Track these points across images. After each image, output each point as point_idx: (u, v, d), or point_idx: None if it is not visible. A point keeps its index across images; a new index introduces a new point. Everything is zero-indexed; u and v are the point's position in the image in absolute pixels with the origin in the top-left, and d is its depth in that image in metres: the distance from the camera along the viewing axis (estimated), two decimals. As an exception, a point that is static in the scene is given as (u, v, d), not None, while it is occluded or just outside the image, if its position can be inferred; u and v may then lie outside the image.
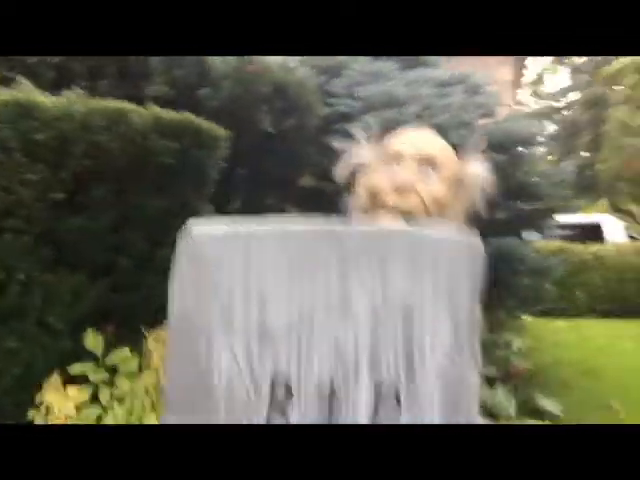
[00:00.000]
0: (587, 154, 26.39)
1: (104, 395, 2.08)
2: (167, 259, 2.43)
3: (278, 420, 1.10)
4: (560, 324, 8.08)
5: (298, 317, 1.10)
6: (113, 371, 2.21)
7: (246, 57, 3.36)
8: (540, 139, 5.92)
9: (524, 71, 17.97)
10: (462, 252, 1.02)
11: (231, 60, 3.26)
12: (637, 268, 9.35)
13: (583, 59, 34.78)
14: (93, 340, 2.21)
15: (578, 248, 9.55)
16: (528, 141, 5.21)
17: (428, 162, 1.42)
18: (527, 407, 3.74)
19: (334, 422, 1.09)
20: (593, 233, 10.70)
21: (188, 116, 2.28)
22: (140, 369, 2.22)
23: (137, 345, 2.34)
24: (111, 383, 2.14)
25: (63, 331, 2.19)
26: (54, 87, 2.76)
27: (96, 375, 2.16)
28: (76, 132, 1.94)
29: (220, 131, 2.43)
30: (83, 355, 2.24)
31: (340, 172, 1.51)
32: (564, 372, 5.34)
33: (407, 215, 1.37)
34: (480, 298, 1.04)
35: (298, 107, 3.66)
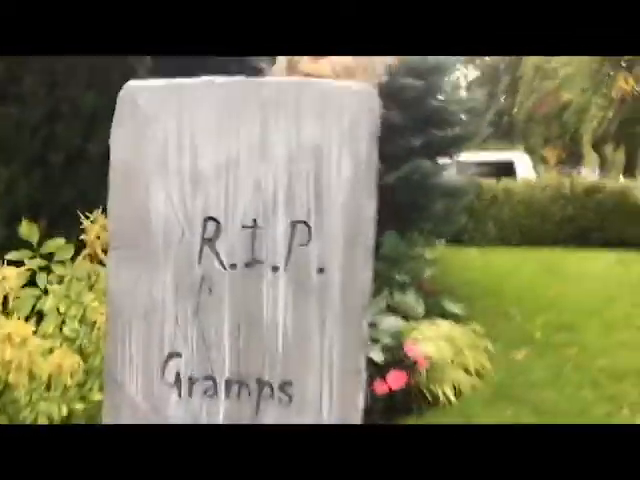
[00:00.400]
0: (505, 99, 27.25)
1: (41, 279, 2.20)
2: (99, 155, 2.55)
3: (207, 258, 1.29)
4: (471, 251, 8.64)
5: (225, 161, 1.28)
6: (49, 259, 2.32)
7: None
8: (456, 68, 6.19)
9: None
10: (362, 99, 1.23)
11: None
12: (543, 201, 10.00)
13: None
14: (27, 229, 2.30)
15: (490, 183, 10.09)
16: (443, 69, 5.44)
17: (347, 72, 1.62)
18: (434, 310, 4.11)
19: (255, 257, 1.29)
20: (506, 170, 11.29)
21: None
22: (74, 257, 2.35)
23: (71, 237, 2.45)
24: (47, 270, 2.26)
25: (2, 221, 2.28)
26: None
27: (32, 261, 2.27)
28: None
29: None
30: (19, 245, 2.33)
31: None
32: (469, 289, 5.81)
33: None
34: (377, 142, 1.25)
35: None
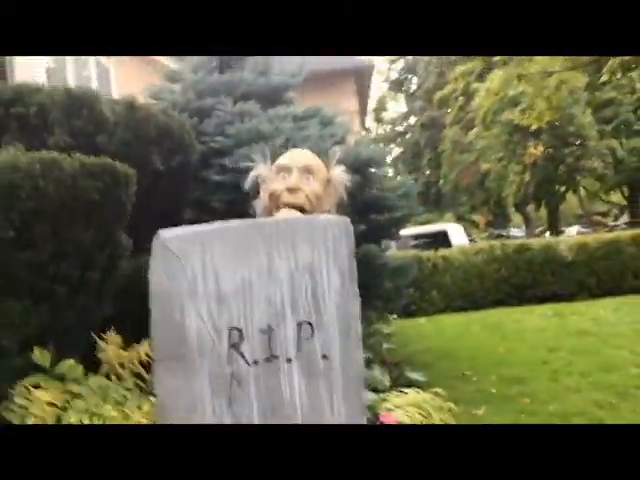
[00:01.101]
0: (430, 172, 28.93)
1: (58, 398, 2.48)
2: (96, 282, 2.92)
3: (234, 359, 1.67)
4: (420, 320, 9.15)
5: (241, 284, 1.68)
6: (61, 379, 2.61)
7: (132, 104, 3.83)
8: (386, 160, 6.89)
9: (369, 100, 19.62)
10: (341, 227, 1.68)
11: (120, 108, 3.73)
12: (479, 265, 10.73)
13: (415, 86, 38.22)
14: (40, 355, 2.60)
15: (429, 254, 10.77)
16: (376, 162, 6.09)
17: (307, 170, 2.10)
18: (399, 381, 4.50)
19: (272, 353, 1.68)
20: (441, 240, 12.07)
21: (106, 159, 2.76)
22: (85, 374, 2.64)
23: (76, 356, 2.75)
24: (63, 388, 2.54)
25: (13, 350, 2.57)
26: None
27: (47, 384, 2.55)
28: (22, 180, 2.36)
29: (131, 170, 2.92)
30: (32, 370, 2.61)
31: (247, 184, 2.16)
32: (426, 356, 6.25)
33: (297, 208, 2.03)
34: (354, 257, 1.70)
35: (182, 146, 4.19)
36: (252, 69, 6.06)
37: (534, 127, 9.74)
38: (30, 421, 2.25)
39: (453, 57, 25.57)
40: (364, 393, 1.70)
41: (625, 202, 24.66)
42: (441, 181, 22.90)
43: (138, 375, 2.47)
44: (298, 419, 1.66)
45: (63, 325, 2.76)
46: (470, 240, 13.06)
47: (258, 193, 2.18)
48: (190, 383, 1.69)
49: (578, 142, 17.77)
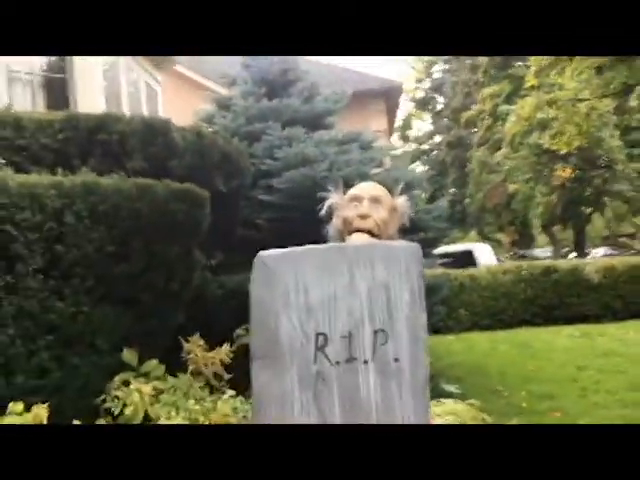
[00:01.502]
0: (455, 190, 29.12)
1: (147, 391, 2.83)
2: (175, 292, 3.30)
3: (319, 359, 1.99)
4: (449, 337, 9.39)
5: (327, 298, 2.01)
6: (146, 377, 2.96)
7: (200, 132, 4.21)
8: (422, 183, 7.22)
9: (395, 119, 19.98)
10: (413, 252, 2.01)
11: (189, 135, 4.11)
12: (506, 285, 10.93)
13: (441, 105, 38.60)
14: (129, 355, 2.96)
15: (457, 272, 11.01)
16: (412, 185, 6.43)
17: (375, 200, 2.42)
18: (434, 392, 4.78)
19: (352, 355, 2.00)
20: (467, 259, 12.29)
21: (189, 185, 3.12)
22: (164, 373, 3.00)
23: (156, 357, 3.10)
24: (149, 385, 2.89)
25: (106, 350, 2.93)
26: (53, 167, 3.50)
27: (135, 380, 2.90)
28: (124, 201, 2.73)
29: (206, 193, 3.29)
30: (121, 368, 2.97)
31: (323, 211, 2.49)
32: (457, 371, 6.51)
33: (368, 233, 2.36)
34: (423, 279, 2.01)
35: (239, 169, 4.57)
36: (298, 95, 6.46)
37: (564, 151, 9.95)
38: (128, 410, 2.59)
39: (481, 78, 25.89)
40: (428, 392, 2.01)
41: (653, 225, 24.58)
42: (467, 200, 23.12)
43: (216, 375, 2.81)
44: (373, 412, 1.97)
45: (147, 329, 3.12)
46: (498, 260, 13.27)
47: (331, 219, 2.51)
48: (281, 379, 2.01)
49: (606, 165, 17.90)
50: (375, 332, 2.00)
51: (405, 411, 1.97)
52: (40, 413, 2.32)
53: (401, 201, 2.49)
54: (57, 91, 6.25)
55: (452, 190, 29.48)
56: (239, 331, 3.26)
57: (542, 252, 27.99)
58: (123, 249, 2.82)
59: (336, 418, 2.00)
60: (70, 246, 2.62)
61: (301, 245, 2.40)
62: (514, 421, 4.61)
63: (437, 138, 38.01)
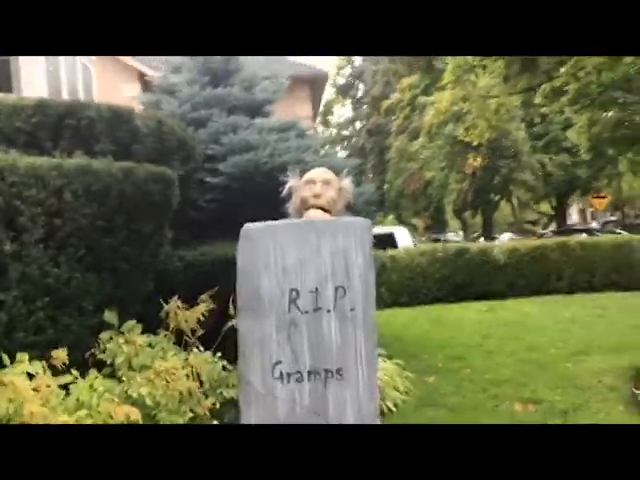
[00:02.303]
0: (373, 176, 30.18)
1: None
2: (147, 263, 3.76)
3: (292, 309, 2.54)
4: (372, 313, 10.13)
5: (299, 261, 2.55)
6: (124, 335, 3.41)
7: (160, 119, 4.60)
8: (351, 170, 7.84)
9: (319, 106, 20.58)
10: (365, 225, 2.59)
11: (151, 123, 4.50)
12: (422, 265, 11.83)
13: (361, 92, 39.70)
14: (110, 316, 3.38)
15: (378, 253, 11.79)
16: (342, 172, 7.01)
17: (326, 182, 2.97)
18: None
19: (318, 306, 2.55)
20: (389, 241, 13.11)
21: (163, 168, 3.55)
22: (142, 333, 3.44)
23: (130, 319, 3.54)
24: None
25: (90, 311, 3.34)
26: (26, 148, 3.82)
27: (116, 337, 3.34)
28: (112, 182, 3.14)
29: (175, 176, 3.72)
30: (103, 328, 3.40)
31: (284, 192, 3.02)
32: (380, 340, 7.21)
33: (321, 209, 2.90)
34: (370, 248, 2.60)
35: (193, 154, 5.00)
36: (239, 84, 6.90)
37: (475, 142, 10.86)
38: (119, 360, 3.04)
39: (399, 68, 26.90)
40: (376, 335, 2.62)
41: (553, 212, 26.66)
42: (386, 186, 24.17)
43: (193, 331, 3.30)
44: (334, 349, 2.55)
45: (123, 294, 3.55)
46: (414, 243, 14.23)
47: (290, 198, 3.04)
48: (262, 325, 2.55)
49: (512, 155, 19.34)
50: (336, 288, 2.57)
51: (358, 348, 2.57)
52: (61, 355, 2.73)
53: (346, 183, 3.06)
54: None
55: (370, 176, 30.55)
56: (203, 297, 3.73)
57: (453, 236, 29.66)
58: (109, 224, 3.23)
59: (305, 355, 2.56)
60: (67, 220, 3.01)
61: (241, 225, 2.91)
62: (432, 377, 5.35)
63: (357, 125, 39.04)
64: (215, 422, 3.32)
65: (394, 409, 4.40)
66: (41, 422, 2.28)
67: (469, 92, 10.05)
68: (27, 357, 2.82)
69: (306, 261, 2.57)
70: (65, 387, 2.83)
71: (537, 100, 12.06)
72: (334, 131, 40.43)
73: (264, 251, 2.57)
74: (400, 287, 11.68)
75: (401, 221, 26.22)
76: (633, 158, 16.05)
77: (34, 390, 2.41)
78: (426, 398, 4.74)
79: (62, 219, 3.01)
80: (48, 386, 2.49)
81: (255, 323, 2.56)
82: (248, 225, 2.60)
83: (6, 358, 2.78)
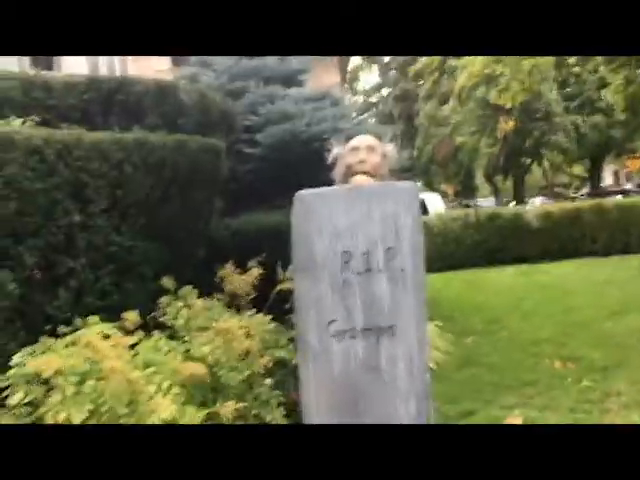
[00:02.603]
0: (403, 142, 29.97)
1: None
2: (200, 230, 3.95)
3: (345, 270, 2.69)
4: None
5: (351, 225, 2.69)
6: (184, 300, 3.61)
7: (203, 93, 4.73)
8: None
9: (347, 73, 20.48)
10: (413, 189, 2.71)
11: (195, 96, 4.64)
12: (455, 230, 11.89)
13: (388, 57, 39.21)
14: (168, 282, 3.58)
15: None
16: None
17: (370, 148, 3.07)
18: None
19: (369, 267, 2.70)
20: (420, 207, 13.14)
21: (214, 140, 3.70)
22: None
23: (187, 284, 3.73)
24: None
25: (150, 277, 3.54)
26: (79, 124, 4.00)
27: (174, 302, 3.54)
28: (167, 154, 3.31)
29: (223, 147, 3.87)
30: (161, 293, 3.60)
31: (329, 159, 3.14)
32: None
33: (367, 174, 3.01)
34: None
35: (235, 126, 5.14)
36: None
37: (508, 105, 10.75)
38: (179, 321, 3.25)
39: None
40: (425, 294, 2.76)
41: (586, 175, 26.24)
42: (415, 152, 24.04)
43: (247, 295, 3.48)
44: (385, 308, 2.70)
45: (179, 261, 3.75)
46: (445, 209, 14.27)
47: (335, 166, 3.16)
48: (317, 286, 2.70)
49: (545, 118, 19.04)
50: (387, 249, 2.70)
51: (408, 306, 2.71)
52: (131, 316, 2.94)
53: (389, 148, 3.16)
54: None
55: (399, 142, 30.38)
56: (251, 263, 3.90)
57: (484, 202, 29.45)
58: (165, 194, 3.41)
59: (359, 313, 2.71)
60: (127, 191, 3.19)
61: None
62: (470, 338, 5.49)
63: (384, 91, 38.63)
64: (268, 380, 3.52)
65: (435, 368, 4.55)
66: (119, 377, 2.48)
67: (502, 54, 9.90)
68: (98, 319, 3.04)
69: (357, 225, 2.70)
70: (132, 347, 3.04)
71: (571, 60, 11.80)
72: (361, 98, 40.05)
73: (317, 216, 2.71)
74: (433, 253, 11.72)
75: (431, 187, 26.10)
76: (670, 117, 15.69)
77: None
78: (466, 358, 4.89)
79: (123, 190, 3.19)
80: (121, 345, 2.70)
81: (310, 284, 2.71)
82: (302, 191, 2.74)
83: (79, 321, 2.98)
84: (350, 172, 3.10)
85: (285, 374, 3.93)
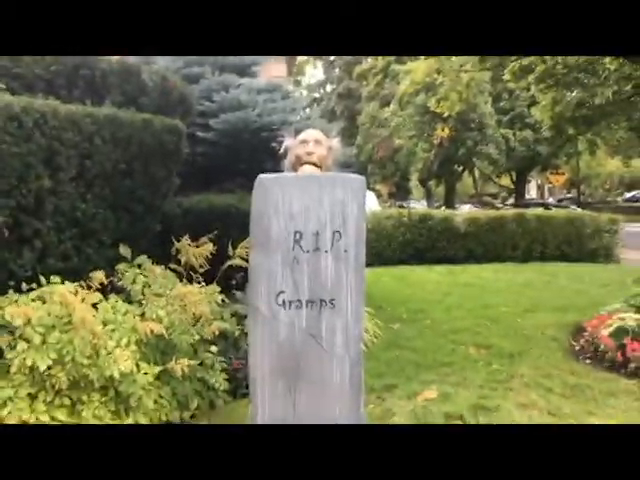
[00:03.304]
0: (342, 140, 30.47)
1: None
2: (157, 206, 4.23)
3: (296, 248, 3.03)
4: (339, 270, 10.73)
5: (303, 208, 3.03)
6: (138, 267, 3.86)
7: (164, 75, 4.95)
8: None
9: (294, 67, 20.74)
10: (360, 180, 3.09)
11: (156, 78, 4.85)
12: (388, 228, 12.44)
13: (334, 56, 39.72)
14: (125, 250, 3.82)
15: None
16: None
17: (317, 142, 3.42)
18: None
19: (317, 247, 3.06)
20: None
21: (177, 121, 3.95)
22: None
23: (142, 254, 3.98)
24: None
25: (108, 245, 3.77)
26: (44, 94, 4.16)
27: (130, 269, 3.78)
28: (134, 131, 3.54)
29: (184, 129, 4.12)
30: (118, 260, 3.83)
31: (282, 151, 3.46)
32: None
33: (313, 165, 3.36)
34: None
35: (191, 109, 5.37)
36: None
37: (446, 114, 11.35)
38: (136, 286, 3.50)
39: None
40: (364, 273, 3.14)
41: (513, 186, 27.64)
42: (355, 151, 24.63)
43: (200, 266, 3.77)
44: (328, 283, 3.06)
45: (136, 232, 3.99)
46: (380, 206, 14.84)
47: (286, 156, 3.48)
48: (270, 260, 3.04)
49: (479, 129, 20.00)
50: (334, 232, 3.07)
51: (349, 283, 3.09)
52: (98, 276, 3.18)
53: (335, 142, 3.53)
54: None
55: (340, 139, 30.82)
56: (204, 239, 4.18)
57: (416, 204, 30.45)
58: (129, 168, 3.64)
59: (304, 287, 3.07)
60: (95, 162, 3.41)
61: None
62: (396, 325, 5.96)
63: (328, 87, 39.12)
64: (214, 348, 3.82)
65: (365, 349, 4.97)
66: (89, 329, 2.74)
67: (443, 64, 10.48)
68: (59, 280, 3.26)
69: (309, 208, 3.06)
70: (93, 307, 3.28)
71: (506, 77, 12.55)
72: (305, 92, 40.37)
73: (275, 198, 3.04)
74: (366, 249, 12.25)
75: (367, 186, 26.75)
76: (591, 138, 16.87)
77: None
78: (392, 341, 5.34)
79: (92, 161, 3.41)
80: (88, 301, 2.95)
81: (264, 258, 3.05)
82: (262, 175, 3.06)
83: (43, 280, 3.20)
84: (299, 162, 3.44)
85: (227, 345, 4.25)
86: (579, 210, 18.58)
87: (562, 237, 12.80)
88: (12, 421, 2.77)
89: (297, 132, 3.66)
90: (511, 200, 28.46)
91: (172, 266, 3.82)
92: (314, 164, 3.37)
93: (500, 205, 27.43)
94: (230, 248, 4.12)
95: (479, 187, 31.36)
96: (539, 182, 39.51)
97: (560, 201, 30.64)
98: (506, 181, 29.59)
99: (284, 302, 3.07)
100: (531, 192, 40.02)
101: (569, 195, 36.83)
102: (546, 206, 21.36)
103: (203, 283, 3.98)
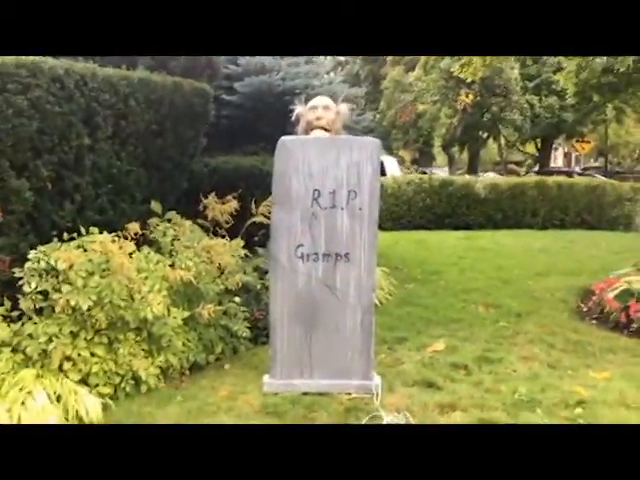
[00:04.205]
0: (365, 104, 30.29)
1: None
2: (185, 164, 4.52)
3: (314, 205, 3.28)
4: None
5: (322, 168, 3.27)
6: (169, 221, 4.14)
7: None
8: (355, 99, 8.43)
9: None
10: (375, 143, 3.31)
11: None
12: (408, 194, 12.58)
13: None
14: (156, 206, 4.10)
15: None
16: (347, 100, 7.62)
17: (326, 107, 3.62)
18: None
19: (334, 204, 3.30)
20: (378, 169, 13.77)
21: (204, 85, 4.19)
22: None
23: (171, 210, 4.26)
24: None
25: (139, 201, 4.05)
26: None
27: (161, 223, 4.07)
28: (165, 93, 3.78)
29: (212, 92, 4.36)
30: (150, 215, 4.11)
31: (294, 118, 3.67)
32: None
33: (322, 129, 3.55)
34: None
35: (218, 72, 5.57)
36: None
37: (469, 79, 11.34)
38: (168, 239, 3.79)
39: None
40: (377, 229, 3.39)
41: (537, 153, 27.38)
42: (377, 115, 24.54)
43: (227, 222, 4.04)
44: (343, 236, 3.32)
45: (166, 189, 4.27)
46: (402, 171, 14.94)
47: (298, 122, 3.68)
48: (290, 216, 3.30)
49: (504, 94, 19.80)
50: (349, 191, 3.31)
51: (362, 239, 3.34)
52: (134, 227, 3.47)
53: (342, 107, 3.72)
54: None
55: (363, 104, 30.67)
56: (229, 197, 4.45)
57: (439, 171, 30.33)
58: (160, 129, 3.90)
59: (321, 241, 3.33)
60: (130, 122, 3.68)
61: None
62: (411, 285, 6.22)
63: (353, 51, 38.58)
64: (237, 298, 4.12)
65: (379, 304, 5.25)
66: (125, 274, 3.03)
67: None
68: (97, 231, 3.56)
69: (327, 169, 3.30)
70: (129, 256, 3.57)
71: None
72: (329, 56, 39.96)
73: (295, 159, 3.28)
74: (385, 212, 12.42)
75: (390, 152, 26.74)
76: (618, 105, 16.65)
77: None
78: (406, 299, 5.60)
79: (126, 121, 3.67)
80: (125, 249, 3.24)
81: (285, 214, 3.31)
82: (285, 137, 3.30)
83: (82, 231, 3.49)
84: (310, 127, 3.66)
85: (249, 297, 4.54)
86: (601, 178, 18.46)
87: (583, 205, 12.83)
88: (56, 356, 3.09)
89: (307, 100, 3.86)
90: (536, 168, 28.22)
91: (199, 221, 4.09)
92: (323, 128, 3.59)
93: (523, 173, 27.24)
94: (253, 207, 4.37)
95: (504, 154, 31.07)
96: (565, 150, 38.97)
97: (585, 170, 30.27)
98: (531, 149, 29.27)
99: (302, 255, 3.33)
100: (558, 160, 39.54)
101: (596, 164, 36.31)
102: (569, 174, 21.23)
103: (227, 238, 4.26)
